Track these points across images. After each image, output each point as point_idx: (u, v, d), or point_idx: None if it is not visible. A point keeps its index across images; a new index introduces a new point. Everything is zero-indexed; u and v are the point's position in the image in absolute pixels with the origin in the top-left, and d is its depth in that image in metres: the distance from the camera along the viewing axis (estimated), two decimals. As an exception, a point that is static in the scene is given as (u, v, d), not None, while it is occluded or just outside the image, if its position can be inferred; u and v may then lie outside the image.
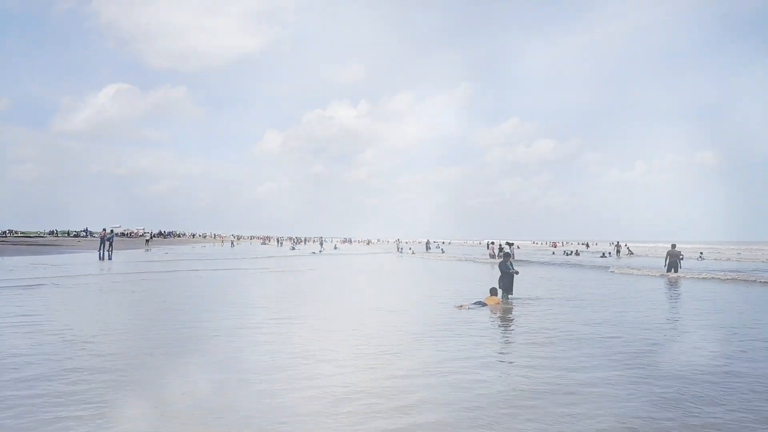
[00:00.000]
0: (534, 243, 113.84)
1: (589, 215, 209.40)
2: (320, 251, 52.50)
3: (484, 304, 12.80)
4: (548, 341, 8.49)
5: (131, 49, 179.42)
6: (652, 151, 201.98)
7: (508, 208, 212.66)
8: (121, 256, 35.77)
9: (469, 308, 12.33)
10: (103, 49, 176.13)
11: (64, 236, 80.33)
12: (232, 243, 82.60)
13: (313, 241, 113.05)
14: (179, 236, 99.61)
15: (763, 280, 21.10)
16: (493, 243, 30.26)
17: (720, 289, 18.31)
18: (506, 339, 9.19)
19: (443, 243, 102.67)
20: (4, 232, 79.27)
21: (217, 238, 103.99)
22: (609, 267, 30.25)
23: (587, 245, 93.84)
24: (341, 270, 27.31)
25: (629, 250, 54.05)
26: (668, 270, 24.59)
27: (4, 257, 29.87)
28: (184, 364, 6.73)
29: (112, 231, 46.23)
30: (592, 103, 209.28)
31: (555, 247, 76.64)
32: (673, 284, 20.16)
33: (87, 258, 31.79)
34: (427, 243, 68.46)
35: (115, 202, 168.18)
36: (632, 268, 28.34)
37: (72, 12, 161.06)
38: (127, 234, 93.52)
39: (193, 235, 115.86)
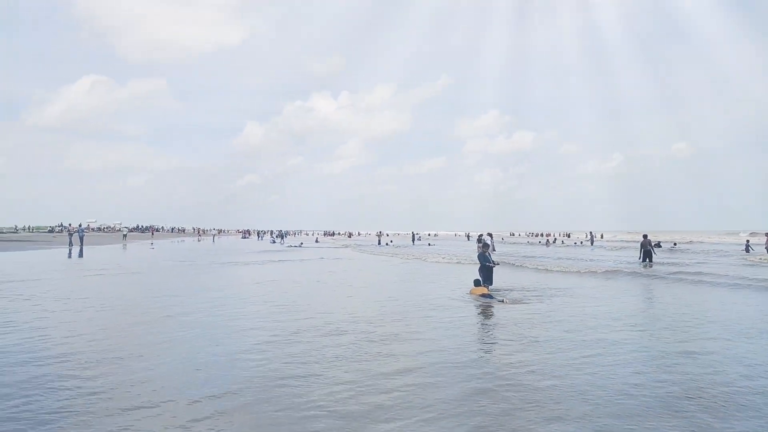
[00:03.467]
0: (521, 234, 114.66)
1: (566, 206, 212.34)
2: (299, 244, 52.14)
3: (491, 296, 12.65)
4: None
5: (107, 41, 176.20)
6: (629, 142, 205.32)
7: (487, 199, 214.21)
8: (95, 252, 34.95)
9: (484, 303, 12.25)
10: (78, 40, 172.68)
11: (39, 232, 78.64)
12: (213, 237, 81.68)
13: (295, 234, 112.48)
14: (158, 230, 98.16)
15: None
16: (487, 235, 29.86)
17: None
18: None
19: (429, 235, 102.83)
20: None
21: (197, 232, 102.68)
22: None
23: (569, 235, 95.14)
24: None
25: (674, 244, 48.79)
26: (642, 260, 25.11)
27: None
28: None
29: (80, 225, 45.11)
30: (569, 95, 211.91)
31: (549, 236, 77.68)
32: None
33: (55, 256, 30.91)
34: (413, 235, 68.01)
35: (91, 197, 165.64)
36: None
37: (45, 3, 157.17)
38: (103, 229, 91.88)
39: (172, 230, 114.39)
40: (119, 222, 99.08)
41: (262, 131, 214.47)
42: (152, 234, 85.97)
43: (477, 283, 13.72)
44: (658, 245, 37.21)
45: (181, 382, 5.73)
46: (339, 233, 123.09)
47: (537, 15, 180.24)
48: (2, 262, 24.11)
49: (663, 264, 24.64)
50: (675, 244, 49.72)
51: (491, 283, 14.30)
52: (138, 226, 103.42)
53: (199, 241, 66.98)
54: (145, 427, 4.47)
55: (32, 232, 79.23)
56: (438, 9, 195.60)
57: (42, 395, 5.23)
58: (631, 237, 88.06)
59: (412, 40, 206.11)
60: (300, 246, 49.67)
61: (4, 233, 69.66)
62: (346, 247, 50.17)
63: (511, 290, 14.50)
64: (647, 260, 24.87)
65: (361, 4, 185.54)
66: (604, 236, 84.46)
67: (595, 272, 20.60)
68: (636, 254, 27.22)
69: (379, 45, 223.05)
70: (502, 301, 12.27)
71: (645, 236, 26.00)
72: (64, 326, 8.90)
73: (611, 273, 20.33)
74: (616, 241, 69.91)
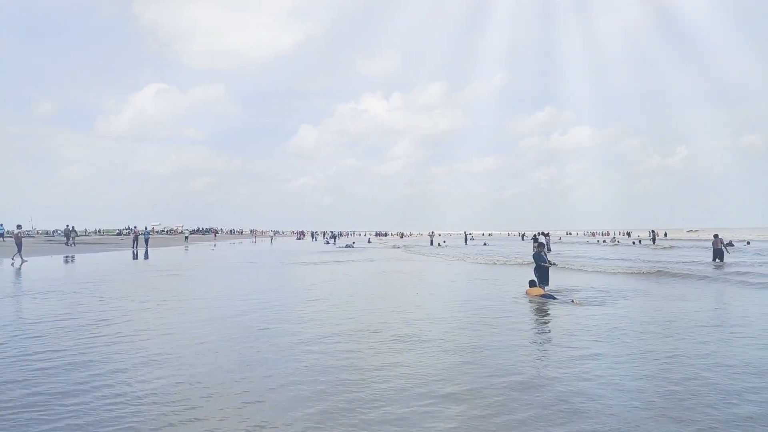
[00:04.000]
0: (578, 234, 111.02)
1: (625, 203, 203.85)
2: (351, 245, 52.49)
3: (552, 296, 12.43)
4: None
5: (170, 50, 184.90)
6: (694, 135, 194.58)
7: (542, 197, 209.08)
8: (161, 253, 36.53)
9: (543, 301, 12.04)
10: (144, 51, 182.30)
11: (108, 234, 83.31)
12: (271, 239, 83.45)
13: (348, 235, 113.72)
14: (216, 233, 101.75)
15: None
16: (542, 235, 28.96)
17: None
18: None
19: (484, 234, 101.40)
20: (53, 232, 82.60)
21: (253, 233, 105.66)
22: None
23: (629, 234, 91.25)
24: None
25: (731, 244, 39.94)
26: (714, 259, 23.89)
27: (52, 256, 30.96)
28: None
29: (146, 228, 47.58)
30: (632, 89, 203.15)
31: (608, 235, 74.87)
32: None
33: (126, 257, 32.55)
34: (465, 235, 67.22)
35: (155, 200, 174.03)
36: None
37: (115, 17, 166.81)
38: (167, 231, 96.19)
39: (231, 231, 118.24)
40: (181, 224, 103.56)
41: (315, 133, 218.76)
42: (215, 236, 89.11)
43: (533, 283, 13.44)
44: (730, 244, 34.95)
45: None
46: (391, 234, 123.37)
47: (595, 7, 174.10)
48: (90, 263, 25.62)
49: (735, 264, 23.03)
50: (748, 242, 46.65)
51: (547, 284, 13.84)
52: (198, 228, 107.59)
53: (254, 242, 68.75)
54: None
55: (101, 234, 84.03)
56: (491, 5, 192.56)
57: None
58: (696, 235, 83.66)
59: (465, 38, 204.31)
60: (352, 246, 50.04)
61: (78, 236, 74.13)
62: (397, 248, 50.09)
63: (575, 290, 14.00)
64: (718, 260, 23.55)
65: (411, 5, 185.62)
66: (668, 234, 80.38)
67: (661, 273, 19.49)
68: (706, 254, 25.78)
69: (431, 44, 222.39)
70: (572, 302, 11.92)
71: (716, 235, 24.80)
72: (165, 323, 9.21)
73: (679, 275, 18.93)
74: (681, 239, 66.27)
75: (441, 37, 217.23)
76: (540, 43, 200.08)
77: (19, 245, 25.51)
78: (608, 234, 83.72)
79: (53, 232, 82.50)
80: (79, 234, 50.38)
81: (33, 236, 69.51)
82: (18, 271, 20.48)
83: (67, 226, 47.70)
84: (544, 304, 11.85)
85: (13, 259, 25.04)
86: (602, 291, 14.19)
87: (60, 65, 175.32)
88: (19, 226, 26.03)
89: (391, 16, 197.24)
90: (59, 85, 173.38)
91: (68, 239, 46.05)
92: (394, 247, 52.75)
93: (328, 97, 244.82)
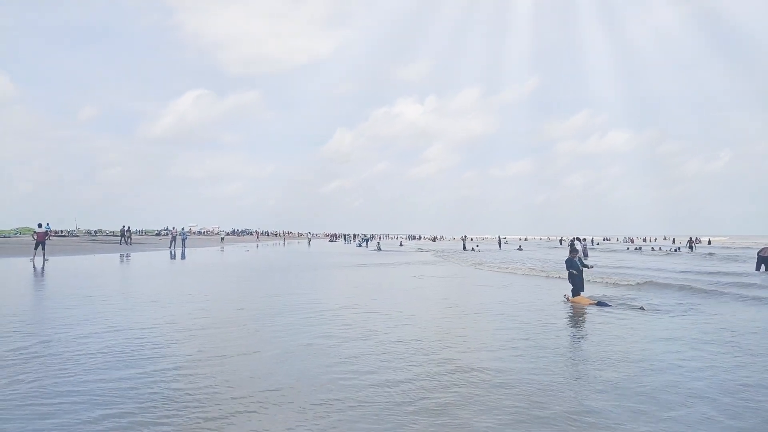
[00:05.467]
0: (619, 240, 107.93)
1: (667, 209, 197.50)
2: (377, 249, 52.34)
3: (606, 304, 12.14)
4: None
5: (210, 57, 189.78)
6: (739, 138, 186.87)
7: (578, 202, 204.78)
8: (199, 254, 37.35)
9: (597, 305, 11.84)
10: (185, 58, 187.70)
11: (148, 235, 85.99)
12: (309, 241, 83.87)
13: (380, 238, 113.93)
14: (250, 234, 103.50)
15: None
16: (577, 240, 27.77)
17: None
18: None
19: (520, 239, 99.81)
20: (96, 232, 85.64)
21: (288, 235, 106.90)
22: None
23: (674, 241, 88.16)
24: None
25: None
26: (757, 268, 22.73)
27: (96, 254, 32.07)
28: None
29: (182, 229, 49.00)
30: (671, 90, 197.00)
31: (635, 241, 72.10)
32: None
33: (160, 256, 33.41)
34: (499, 240, 66.19)
35: (193, 203, 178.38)
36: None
37: (157, 25, 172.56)
38: (203, 232, 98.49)
39: (267, 233, 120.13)
40: (217, 226, 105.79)
41: (350, 137, 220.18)
42: (257, 237, 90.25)
43: (575, 292, 13.03)
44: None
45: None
46: (424, 237, 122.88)
47: (630, 9, 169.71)
48: (136, 262, 26.47)
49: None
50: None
51: (582, 290, 13.41)
52: (234, 230, 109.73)
53: (284, 244, 69.35)
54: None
55: (141, 235, 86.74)
56: (525, 8, 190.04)
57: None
58: (743, 242, 79.94)
59: (499, 42, 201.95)
60: (379, 250, 49.93)
61: (116, 236, 76.73)
62: (427, 251, 49.71)
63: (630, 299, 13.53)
64: (764, 268, 22.39)
65: (446, 9, 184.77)
66: (712, 242, 77.10)
67: (693, 288, 18.41)
68: (749, 265, 24.59)
69: (466, 48, 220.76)
70: (641, 309, 11.61)
71: None
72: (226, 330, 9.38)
73: (713, 291, 15.49)
74: (724, 247, 63.28)
75: (476, 42, 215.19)
76: (575, 46, 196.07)
77: (42, 243, 26.16)
78: (636, 240, 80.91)
79: (95, 231, 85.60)
80: (133, 234, 53.12)
81: (77, 236, 72.32)
82: (123, 264, 21.26)
83: (123, 226, 50.16)
84: (600, 312, 11.24)
85: (33, 259, 25.09)
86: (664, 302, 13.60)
87: (103, 71, 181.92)
88: (40, 225, 27.08)
89: (426, 20, 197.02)
90: (102, 91, 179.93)
91: (123, 238, 48.34)
92: (426, 250, 52.32)
93: (363, 101, 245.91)
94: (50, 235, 29.68)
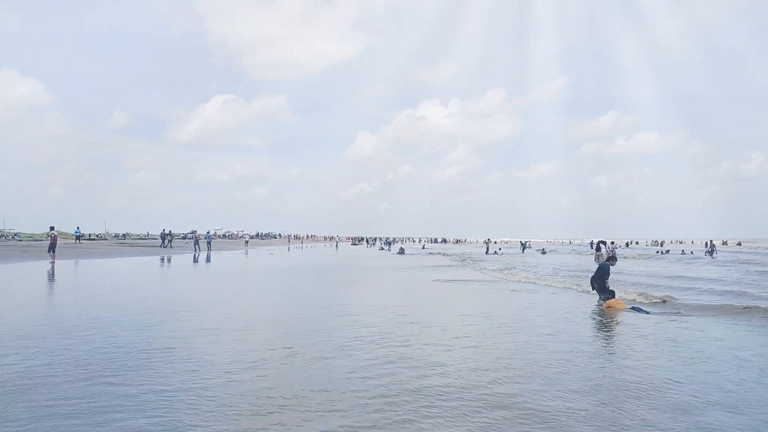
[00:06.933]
0: (648, 244, 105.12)
1: (696, 210, 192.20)
2: (400, 251, 51.87)
3: (642, 310, 11.31)
4: None
5: (237, 63, 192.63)
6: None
7: (604, 205, 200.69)
8: (225, 257, 37.49)
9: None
10: (213, 64, 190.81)
11: (175, 238, 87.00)
12: (336, 245, 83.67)
13: (403, 241, 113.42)
14: (275, 237, 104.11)
15: None
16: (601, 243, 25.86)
17: None
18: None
19: (548, 242, 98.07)
20: (124, 235, 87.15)
21: (313, 239, 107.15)
22: None
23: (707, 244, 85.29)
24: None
25: None
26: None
27: (123, 257, 32.41)
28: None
29: (208, 232, 49.45)
30: (700, 91, 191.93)
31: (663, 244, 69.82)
32: None
33: (186, 259, 33.58)
34: (522, 244, 64.88)
35: (218, 206, 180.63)
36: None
37: (185, 31, 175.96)
38: (228, 235, 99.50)
39: (290, 237, 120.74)
40: (242, 229, 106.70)
41: (373, 141, 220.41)
42: (289, 240, 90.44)
43: (609, 296, 12.30)
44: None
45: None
46: (447, 240, 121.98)
47: (659, 5, 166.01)
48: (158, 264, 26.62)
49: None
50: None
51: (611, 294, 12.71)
52: (258, 234, 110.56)
53: (302, 247, 69.20)
54: None
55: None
56: (550, 8, 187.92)
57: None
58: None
59: (524, 43, 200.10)
60: (402, 253, 49.52)
61: (143, 239, 77.93)
62: (446, 255, 48.77)
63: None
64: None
65: (470, 11, 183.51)
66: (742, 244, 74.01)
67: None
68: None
69: (490, 50, 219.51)
70: (679, 313, 11.09)
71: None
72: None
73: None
74: (751, 252, 59.43)
75: (500, 43, 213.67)
76: (601, 46, 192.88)
77: (53, 246, 27.21)
78: (663, 243, 77.96)
79: (123, 235, 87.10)
80: (174, 237, 54.54)
81: (106, 239, 73.64)
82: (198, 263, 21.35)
83: (164, 230, 51.57)
84: (638, 317, 10.47)
85: (51, 262, 25.20)
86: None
87: (134, 78, 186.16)
88: (52, 228, 28.74)
89: (450, 23, 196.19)
90: (132, 97, 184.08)
91: (164, 241, 49.34)
92: (447, 254, 51.48)
93: (387, 104, 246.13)
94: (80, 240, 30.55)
